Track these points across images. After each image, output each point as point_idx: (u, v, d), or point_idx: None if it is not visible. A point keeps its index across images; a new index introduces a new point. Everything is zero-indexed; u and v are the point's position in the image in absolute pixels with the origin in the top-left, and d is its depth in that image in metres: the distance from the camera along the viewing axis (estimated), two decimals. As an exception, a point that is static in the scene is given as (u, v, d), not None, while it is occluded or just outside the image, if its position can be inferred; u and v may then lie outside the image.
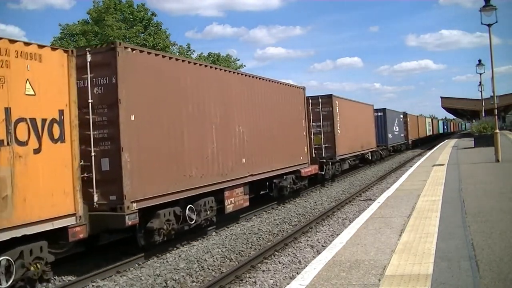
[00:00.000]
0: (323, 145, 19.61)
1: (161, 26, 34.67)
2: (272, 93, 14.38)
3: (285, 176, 14.90)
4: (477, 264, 5.12)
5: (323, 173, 18.78)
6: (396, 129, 36.34)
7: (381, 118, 31.80)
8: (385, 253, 5.94)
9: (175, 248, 9.77)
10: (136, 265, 8.68)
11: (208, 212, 10.46)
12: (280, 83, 15.54)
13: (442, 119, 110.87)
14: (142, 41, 32.21)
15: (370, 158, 27.66)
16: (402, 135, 39.82)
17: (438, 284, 4.62)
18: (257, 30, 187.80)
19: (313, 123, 19.39)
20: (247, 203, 12.31)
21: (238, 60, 45.78)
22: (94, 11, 31.93)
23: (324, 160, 19.13)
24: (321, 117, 19.78)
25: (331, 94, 20.13)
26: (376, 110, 31.38)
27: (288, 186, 14.97)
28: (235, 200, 11.61)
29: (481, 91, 36.06)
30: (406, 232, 7.00)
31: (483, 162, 17.61)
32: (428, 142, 56.71)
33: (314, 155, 18.66)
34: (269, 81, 14.53)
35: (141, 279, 7.89)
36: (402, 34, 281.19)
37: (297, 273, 7.10)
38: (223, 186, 11.04)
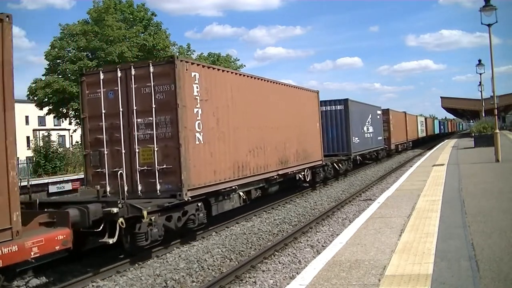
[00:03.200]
0: (157, 168, 9.37)
1: (161, 26, 34.74)
2: None
3: None
4: (477, 264, 5.12)
5: (110, 241, 8.25)
6: (368, 130, 26.75)
7: (341, 114, 22.15)
8: (385, 253, 5.94)
9: (175, 248, 9.78)
10: (136, 265, 8.68)
11: None
12: None
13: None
14: (142, 41, 32.25)
15: (306, 178, 16.89)
16: (379, 138, 30.08)
17: (438, 284, 4.61)
18: (257, 30, 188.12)
19: (138, 119, 9.60)
20: None
21: (238, 60, 45.91)
22: (94, 11, 31.95)
23: (115, 207, 8.26)
24: (154, 106, 9.51)
25: (173, 57, 9.75)
26: (332, 102, 22.33)
27: None
28: None
29: (481, 91, 36.16)
30: (406, 232, 7.00)
31: (483, 162, 17.60)
32: (419, 146, 48.44)
33: (112, 193, 9.54)
34: None
35: (141, 279, 7.90)
36: (402, 34, 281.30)
37: (297, 273, 7.11)
38: None
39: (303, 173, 16.62)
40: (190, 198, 9.51)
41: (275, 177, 14.00)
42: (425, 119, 62.88)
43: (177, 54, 36.66)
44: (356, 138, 23.49)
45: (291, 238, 10.32)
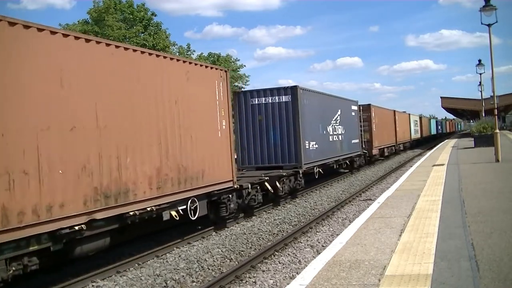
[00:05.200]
0: None
1: (161, 26, 34.77)
2: None
3: None
4: (477, 264, 5.12)
5: None
6: (335, 131, 20.18)
7: (287, 108, 15.78)
8: (385, 253, 5.94)
9: (175, 248, 9.78)
10: (136, 265, 8.68)
11: None
12: None
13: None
14: (142, 41, 32.25)
15: (192, 215, 9.92)
16: (355, 141, 23.83)
17: (438, 284, 4.61)
18: (256, 30, 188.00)
19: None
20: None
21: (238, 60, 45.97)
22: (94, 11, 31.99)
23: None
24: None
25: None
26: (274, 91, 15.95)
27: None
28: None
29: (481, 91, 36.21)
30: (406, 232, 7.00)
31: (483, 162, 17.60)
32: (412, 149, 43.73)
33: None
34: None
35: (141, 279, 7.89)
36: (402, 34, 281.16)
37: (297, 273, 7.11)
38: None
39: (184, 206, 9.54)
40: None
41: (80, 227, 7.07)
42: (420, 118, 55.85)
43: (177, 54, 36.71)
44: (313, 143, 16.88)
45: (291, 238, 10.32)
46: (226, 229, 11.61)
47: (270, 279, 7.69)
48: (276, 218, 12.95)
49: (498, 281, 4.59)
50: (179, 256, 9.24)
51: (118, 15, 32.63)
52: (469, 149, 26.81)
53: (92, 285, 7.71)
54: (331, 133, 19.54)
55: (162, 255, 9.29)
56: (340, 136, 20.82)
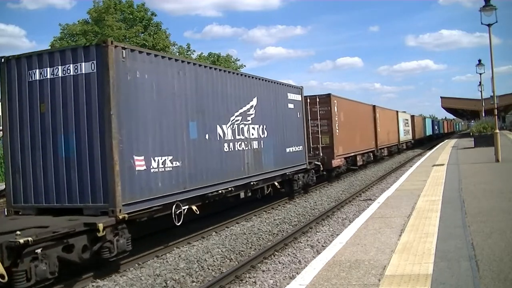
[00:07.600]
0: None
1: (161, 26, 34.78)
2: None
3: None
4: (477, 264, 5.12)
5: None
6: (244, 134, 12.08)
7: (88, 86, 7.67)
8: (385, 253, 5.94)
9: (175, 248, 9.79)
10: (136, 265, 8.68)
11: None
12: None
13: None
14: (142, 41, 32.26)
15: None
16: (295, 149, 15.43)
17: (438, 284, 4.61)
18: (256, 30, 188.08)
19: None
20: None
21: (238, 60, 46.04)
22: (94, 11, 32.02)
23: None
24: None
25: None
26: (65, 53, 7.88)
27: None
28: None
29: (481, 91, 36.18)
30: (406, 232, 7.00)
31: (483, 162, 17.60)
32: (400, 153, 37.42)
33: None
34: None
35: (141, 279, 7.89)
36: (402, 34, 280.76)
37: (297, 273, 7.11)
38: None
39: None
40: None
41: None
42: (412, 117, 46.23)
43: (177, 54, 36.73)
44: (164, 159, 8.80)
45: (291, 238, 10.32)
46: (226, 229, 11.61)
47: (270, 279, 7.69)
48: (276, 218, 12.95)
49: (498, 281, 4.60)
50: (179, 256, 9.24)
51: (118, 15, 32.66)
52: (469, 149, 26.81)
53: (92, 285, 7.71)
54: (229, 138, 11.39)
55: (162, 255, 9.29)
56: (254, 143, 12.70)
